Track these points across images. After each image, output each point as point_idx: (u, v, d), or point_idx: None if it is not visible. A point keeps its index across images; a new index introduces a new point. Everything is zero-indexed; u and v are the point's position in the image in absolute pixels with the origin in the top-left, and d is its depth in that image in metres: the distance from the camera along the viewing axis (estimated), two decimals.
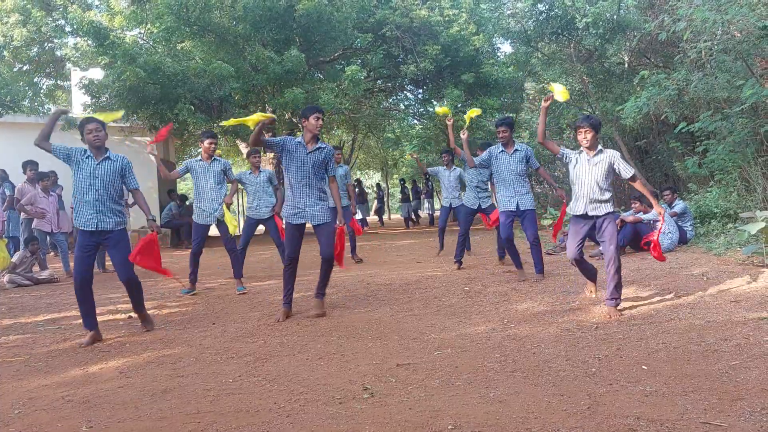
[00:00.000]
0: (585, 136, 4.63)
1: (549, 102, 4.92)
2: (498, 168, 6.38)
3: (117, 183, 4.65)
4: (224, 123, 5.69)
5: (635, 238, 7.57)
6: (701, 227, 8.39)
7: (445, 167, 8.92)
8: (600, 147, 4.71)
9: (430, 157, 20.66)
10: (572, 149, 4.92)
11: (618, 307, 4.61)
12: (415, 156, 9.08)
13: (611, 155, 4.67)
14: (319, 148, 4.99)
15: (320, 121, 4.95)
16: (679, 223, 7.93)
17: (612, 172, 4.69)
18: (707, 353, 3.49)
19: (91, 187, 4.51)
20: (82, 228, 4.52)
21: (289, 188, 5.04)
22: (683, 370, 3.24)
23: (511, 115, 15.05)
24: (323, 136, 23.54)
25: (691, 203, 9.06)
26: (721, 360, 3.35)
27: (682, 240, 7.91)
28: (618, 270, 4.55)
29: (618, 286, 4.57)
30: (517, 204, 6.28)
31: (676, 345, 3.70)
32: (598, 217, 4.68)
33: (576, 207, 4.77)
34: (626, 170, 4.67)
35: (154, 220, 4.81)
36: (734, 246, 7.01)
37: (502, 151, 6.35)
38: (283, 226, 5.22)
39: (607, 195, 4.67)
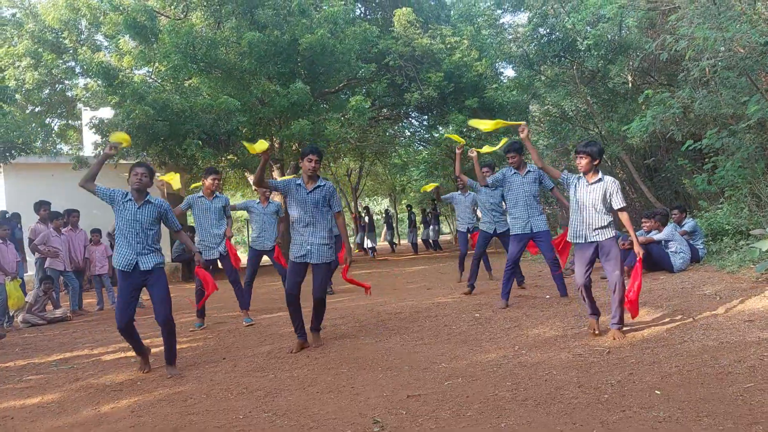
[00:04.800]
0: (579, 162, 4.69)
1: (525, 133, 5.00)
2: (510, 190, 6.38)
3: (157, 226, 4.73)
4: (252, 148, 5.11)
5: (647, 259, 7.50)
6: (713, 245, 8.31)
7: (459, 192, 8.92)
8: (600, 175, 4.71)
9: (437, 182, 20.72)
10: (575, 172, 4.93)
11: (622, 330, 4.64)
12: (431, 190, 9.13)
13: (609, 183, 4.67)
14: (319, 186, 5.02)
15: (313, 163, 4.95)
16: (690, 242, 7.87)
17: (608, 200, 4.67)
18: (721, 376, 3.45)
19: (132, 229, 4.57)
20: (122, 269, 4.56)
21: (294, 227, 5.08)
22: (697, 394, 3.20)
23: (517, 138, 15.11)
24: (331, 164, 23.73)
25: (702, 220, 8.99)
26: (736, 383, 3.30)
27: (695, 258, 7.84)
28: (622, 294, 4.59)
29: (622, 310, 4.62)
30: (531, 227, 6.27)
31: (690, 368, 3.65)
32: (600, 241, 4.69)
33: (577, 233, 4.78)
34: (617, 202, 4.65)
35: (201, 252, 4.89)
36: (747, 263, 6.92)
37: (515, 173, 6.36)
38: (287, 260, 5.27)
39: (607, 220, 4.67)
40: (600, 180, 4.69)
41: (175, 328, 4.73)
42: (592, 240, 4.70)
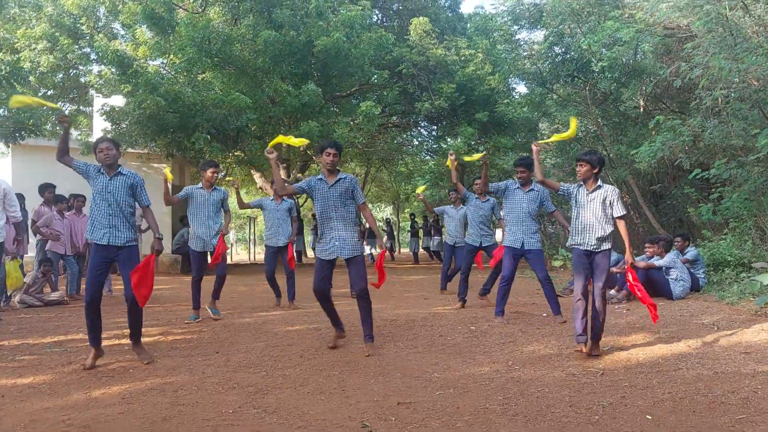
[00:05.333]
0: (579, 169, 4.75)
1: (538, 147, 5.23)
2: (510, 204, 6.38)
3: (129, 198, 4.71)
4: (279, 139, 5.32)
5: (647, 285, 7.46)
6: (714, 275, 8.28)
7: (452, 205, 8.88)
8: (599, 183, 4.75)
9: (442, 193, 20.71)
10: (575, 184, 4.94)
11: (599, 344, 4.72)
12: (421, 197, 8.99)
13: (608, 191, 4.70)
14: (340, 179, 4.99)
15: (332, 157, 4.94)
16: (692, 270, 7.85)
17: (608, 207, 4.68)
18: (713, 405, 3.43)
19: (104, 201, 4.58)
20: (95, 242, 4.59)
21: (321, 224, 5.05)
22: (688, 422, 3.18)
23: (525, 154, 15.12)
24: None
25: (705, 250, 8.96)
26: (728, 413, 3.29)
27: (695, 287, 7.82)
28: (603, 308, 4.63)
29: (601, 325, 4.66)
30: (523, 243, 6.27)
31: (683, 395, 3.63)
32: (595, 252, 4.70)
33: (576, 241, 4.79)
34: (618, 209, 4.66)
35: (161, 239, 4.82)
36: (747, 296, 6.90)
37: (518, 187, 6.36)
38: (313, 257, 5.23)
39: (607, 230, 4.67)
40: (599, 187, 4.72)
41: (142, 308, 4.68)
42: (590, 249, 4.70)
